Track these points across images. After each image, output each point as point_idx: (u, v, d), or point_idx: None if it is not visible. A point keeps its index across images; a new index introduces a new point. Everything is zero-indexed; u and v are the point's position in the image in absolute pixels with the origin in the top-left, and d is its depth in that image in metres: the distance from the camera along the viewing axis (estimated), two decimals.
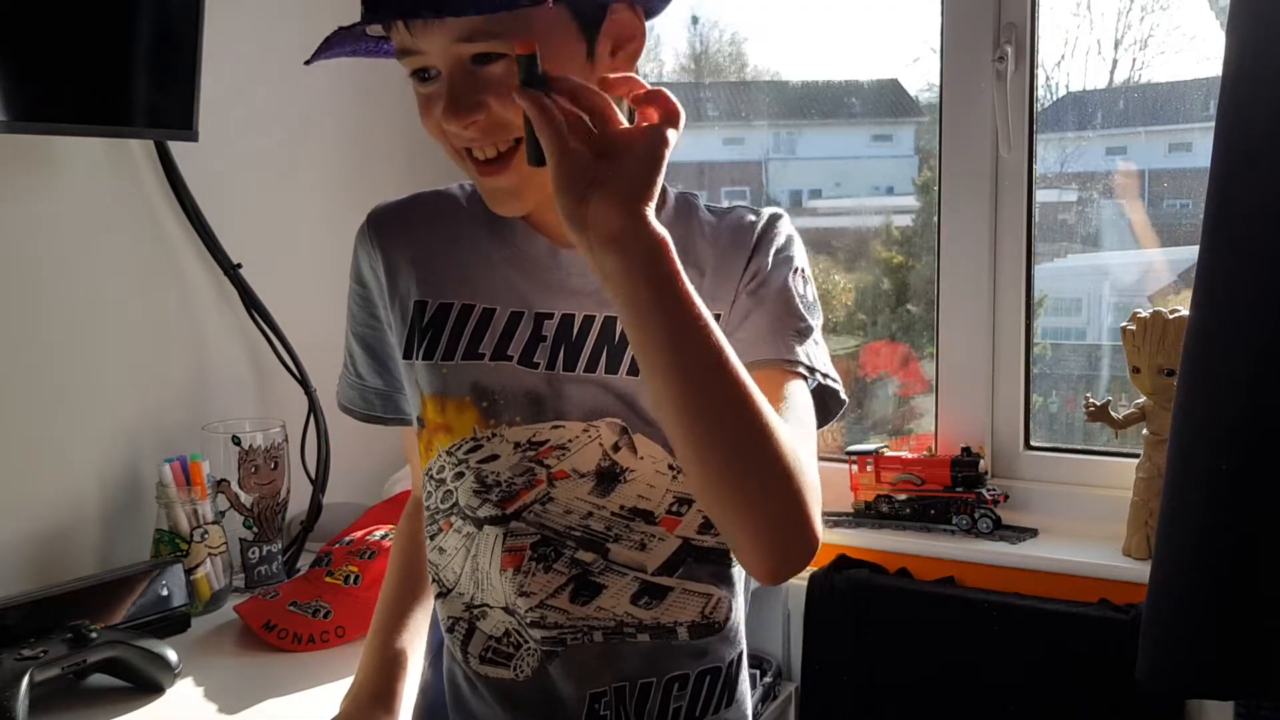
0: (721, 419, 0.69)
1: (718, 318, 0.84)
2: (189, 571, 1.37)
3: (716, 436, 0.69)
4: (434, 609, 0.98)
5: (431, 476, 0.91)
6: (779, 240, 0.91)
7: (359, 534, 1.41)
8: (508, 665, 0.89)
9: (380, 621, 1.01)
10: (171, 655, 1.18)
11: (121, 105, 1.33)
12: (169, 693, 1.17)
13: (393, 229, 0.92)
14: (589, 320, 0.86)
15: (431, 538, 0.92)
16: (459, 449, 0.87)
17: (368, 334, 0.96)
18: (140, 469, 1.45)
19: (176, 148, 1.47)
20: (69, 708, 1.13)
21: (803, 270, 0.92)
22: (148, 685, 1.16)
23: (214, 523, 1.42)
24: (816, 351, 0.87)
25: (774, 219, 0.93)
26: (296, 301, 1.61)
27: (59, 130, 1.30)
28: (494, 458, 0.86)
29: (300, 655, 1.26)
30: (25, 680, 1.05)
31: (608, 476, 0.86)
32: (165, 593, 1.33)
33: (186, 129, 1.39)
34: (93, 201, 1.41)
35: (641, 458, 0.87)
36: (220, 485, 1.46)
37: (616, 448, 0.87)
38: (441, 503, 0.90)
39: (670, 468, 0.88)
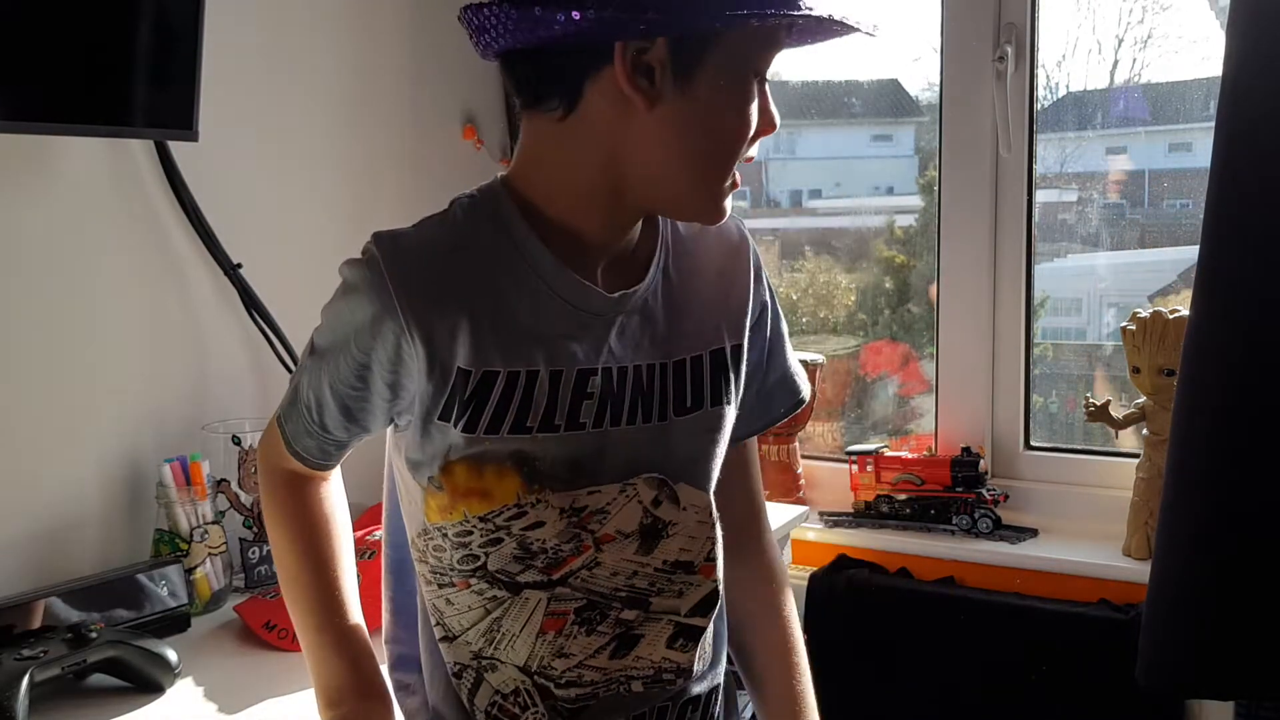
0: None
1: (736, 348, 0.90)
2: (189, 571, 1.37)
3: None
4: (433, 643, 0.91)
5: (447, 535, 0.84)
6: (761, 259, 0.97)
7: (358, 534, 1.41)
8: None
9: (319, 607, 0.91)
10: (171, 655, 1.18)
11: (121, 105, 1.33)
12: (169, 692, 1.17)
13: (427, 291, 0.79)
14: (624, 372, 0.84)
15: (440, 587, 0.87)
16: (497, 515, 0.82)
17: (349, 396, 0.84)
18: (140, 469, 1.45)
19: (176, 148, 1.46)
20: (69, 708, 1.13)
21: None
22: (148, 685, 1.16)
23: (214, 522, 1.42)
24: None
25: (748, 233, 0.97)
26: (296, 301, 1.61)
27: (59, 130, 1.30)
28: (539, 525, 0.82)
29: (300, 655, 1.26)
30: (25, 680, 1.05)
31: (650, 534, 0.85)
32: (165, 592, 1.32)
33: (186, 129, 1.38)
34: (93, 201, 1.41)
35: (684, 508, 0.86)
36: (220, 485, 1.46)
37: (657, 502, 0.85)
38: (459, 563, 0.84)
39: (710, 513, 0.89)
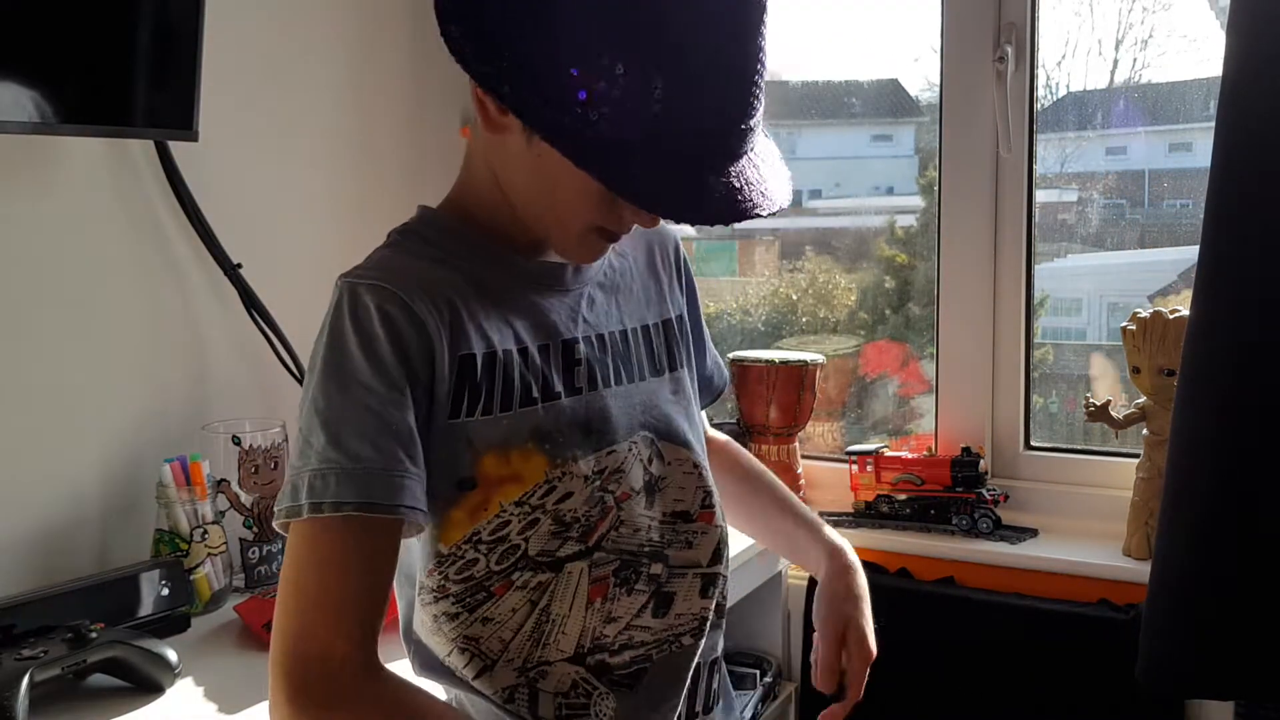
0: None
1: (680, 319, 1.01)
2: (189, 571, 1.37)
3: None
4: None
5: (481, 540, 0.83)
6: (685, 253, 1.07)
7: None
8: (588, 714, 0.87)
9: None
10: (171, 655, 1.18)
11: (121, 105, 1.33)
12: (169, 692, 1.16)
13: (424, 301, 0.81)
14: (601, 338, 0.91)
15: (471, 610, 0.84)
16: (531, 496, 0.84)
17: (397, 415, 0.79)
18: (140, 469, 1.45)
19: (176, 148, 1.46)
20: (69, 708, 1.13)
21: None
22: (148, 685, 1.16)
23: (214, 522, 1.42)
24: None
25: (675, 232, 1.07)
26: (296, 301, 1.61)
27: (59, 130, 1.30)
28: (568, 495, 0.86)
29: None
30: (25, 680, 1.05)
31: (651, 489, 0.91)
32: (165, 592, 1.32)
33: (186, 129, 1.39)
34: (93, 201, 1.41)
35: (669, 462, 0.93)
36: (220, 485, 1.46)
37: (650, 459, 0.92)
38: (496, 565, 0.84)
39: (695, 465, 0.95)
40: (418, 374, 0.80)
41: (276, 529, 0.81)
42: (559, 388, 0.87)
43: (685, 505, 0.93)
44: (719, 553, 0.95)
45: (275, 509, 0.78)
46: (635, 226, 0.91)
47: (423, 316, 0.80)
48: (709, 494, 0.95)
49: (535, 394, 0.85)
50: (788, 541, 1.13)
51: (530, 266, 0.89)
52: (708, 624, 0.94)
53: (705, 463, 0.97)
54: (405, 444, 0.78)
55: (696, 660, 0.94)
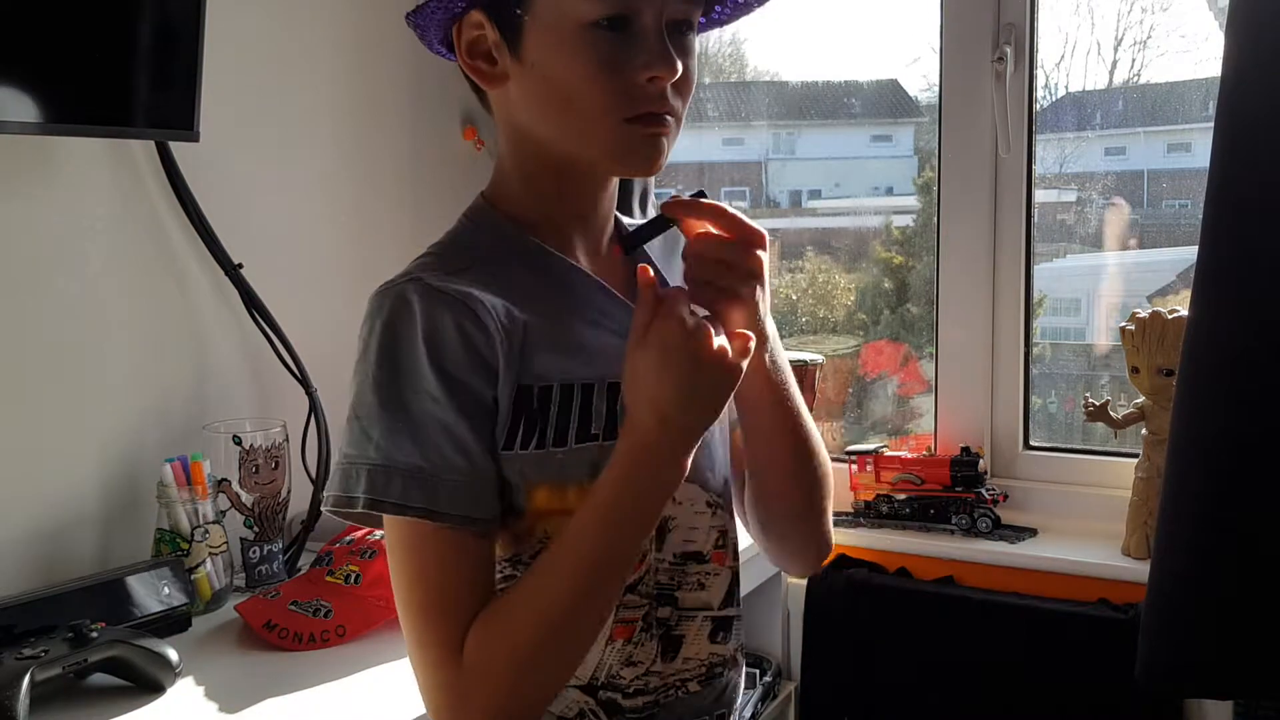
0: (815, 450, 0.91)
1: None
2: (190, 571, 1.37)
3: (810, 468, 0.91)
4: None
5: (521, 562, 0.83)
6: None
7: (359, 533, 1.41)
8: None
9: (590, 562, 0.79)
10: (172, 654, 1.18)
11: (122, 105, 1.33)
12: (170, 692, 1.16)
13: (493, 309, 0.79)
14: None
15: None
16: None
17: (480, 407, 0.80)
18: (141, 469, 1.45)
19: (177, 148, 1.47)
20: (70, 707, 1.13)
21: None
22: (148, 684, 1.16)
23: (215, 522, 1.42)
24: None
25: None
26: (296, 301, 1.61)
27: (59, 130, 1.30)
28: None
29: (301, 655, 1.26)
30: (26, 679, 1.05)
31: (661, 530, 0.88)
32: (166, 592, 1.33)
33: (187, 129, 1.39)
34: (93, 201, 1.41)
35: (679, 503, 0.88)
36: (221, 485, 1.46)
37: None
38: None
39: (708, 505, 0.90)
40: (483, 385, 0.79)
41: (326, 511, 0.81)
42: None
43: (697, 545, 0.89)
44: (731, 594, 0.92)
45: (325, 493, 0.80)
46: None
47: (492, 332, 0.79)
48: (724, 533, 0.92)
49: (595, 430, 0.82)
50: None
51: (610, 300, 0.86)
52: (717, 670, 0.91)
53: (722, 500, 0.92)
54: (467, 450, 0.78)
55: (710, 707, 0.91)
